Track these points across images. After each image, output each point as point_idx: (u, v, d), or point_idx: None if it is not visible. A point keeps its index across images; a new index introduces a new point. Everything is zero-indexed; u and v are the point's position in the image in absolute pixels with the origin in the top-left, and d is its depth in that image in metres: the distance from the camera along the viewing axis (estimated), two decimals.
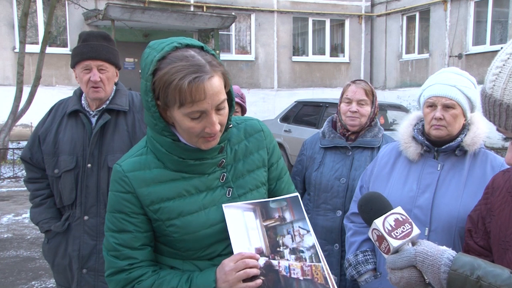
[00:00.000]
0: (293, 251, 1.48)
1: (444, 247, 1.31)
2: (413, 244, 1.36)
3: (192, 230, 1.48)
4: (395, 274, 1.34)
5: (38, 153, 2.62)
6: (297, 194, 1.59)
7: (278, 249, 1.47)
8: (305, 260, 1.47)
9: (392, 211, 1.39)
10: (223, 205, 1.49)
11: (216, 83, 1.40)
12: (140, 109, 2.62)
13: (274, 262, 1.44)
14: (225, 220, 1.49)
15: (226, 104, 1.47)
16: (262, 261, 1.43)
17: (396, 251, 1.34)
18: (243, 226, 1.47)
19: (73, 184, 2.51)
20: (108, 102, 2.56)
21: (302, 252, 1.49)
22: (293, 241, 1.49)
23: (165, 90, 1.38)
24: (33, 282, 4.97)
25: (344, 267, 2.54)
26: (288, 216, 1.53)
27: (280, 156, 1.74)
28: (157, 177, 1.50)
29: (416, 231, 1.35)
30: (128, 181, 1.49)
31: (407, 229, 1.35)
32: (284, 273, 1.43)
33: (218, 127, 1.43)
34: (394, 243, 1.33)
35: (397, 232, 1.34)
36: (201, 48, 1.45)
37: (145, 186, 1.49)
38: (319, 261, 1.48)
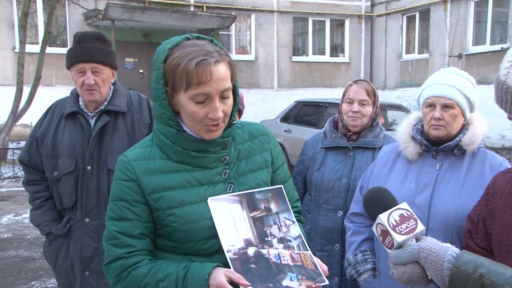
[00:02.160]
0: (281, 240, 1.51)
1: (448, 244, 1.32)
2: (417, 240, 1.36)
3: (191, 220, 1.50)
4: (398, 269, 1.34)
5: (36, 155, 2.58)
6: (281, 186, 1.62)
7: (266, 238, 1.49)
8: (293, 249, 1.50)
9: (397, 206, 1.39)
10: (209, 199, 1.50)
11: (222, 69, 1.46)
12: (139, 109, 2.59)
13: (264, 251, 1.46)
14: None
15: (231, 95, 1.51)
16: (251, 250, 1.45)
17: (400, 246, 1.35)
18: (230, 218, 1.49)
19: (73, 187, 2.49)
20: (106, 103, 2.52)
21: (290, 241, 1.52)
22: (280, 231, 1.52)
23: (173, 72, 1.44)
24: (33, 282, 4.97)
25: (344, 267, 2.54)
26: (273, 207, 1.56)
27: (284, 161, 1.78)
28: (160, 167, 1.53)
29: (420, 227, 1.36)
30: (132, 169, 1.52)
31: (411, 225, 1.35)
32: (275, 260, 1.46)
33: (221, 114, 1.47)
34: (398, 238, 1.33)
35: (401, 228, 1.35)
36: (211, 41, 1.52)
37: (148, 174, 1.52)
38: (307, 250, 1.51)
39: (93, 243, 2.50)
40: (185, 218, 1.50)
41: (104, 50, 2.46)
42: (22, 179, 9.96)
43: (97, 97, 2.46)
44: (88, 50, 2.42)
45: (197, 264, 1.47)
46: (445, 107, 2.11)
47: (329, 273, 2.66)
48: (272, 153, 1.70)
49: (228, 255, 1.42)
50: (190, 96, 1.44)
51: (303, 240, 1.53)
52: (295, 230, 1.54)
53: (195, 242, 1.52)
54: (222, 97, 1.47)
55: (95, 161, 2.48)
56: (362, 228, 2.39)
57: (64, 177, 2.50)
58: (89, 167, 2.47)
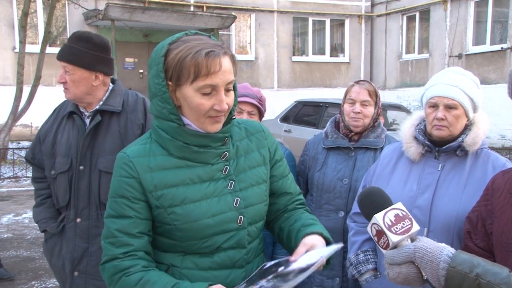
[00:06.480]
0: None
1: (443, 244, 1.31)
2: (412, 240, 1.36)
3: (193, 219, 1.50)
4: (393, 270, 1.34)
5: (39, 153, 2.62)
6: None
7: None
8: None
9: (392, 206, 1.39)
10: None
11: (228, 62, 1.48)
12: (134, 109, 2.56)
13: None
14: (226, 211, 1.50)
15: (233, 88, 1.53)
16: None
17: (395, 246, 1.35)
18: None
19: (67, 186, 2.50)
20: (101, 103, 2.51)
21: None
22: None
23: (179, 65, 1.45)
24: (33, 282, 4.97)
25: (346, 267, 2.54)
26: None
27: (283, 156, 1.78)
28: (161, 163, 1.53)
29: (415, 227, 1.35)
30: (133, 166, 1.52)
31: (407, 225, 1.35)
32: None
33: (226, 106, 1.48)
34: (394, 238, 1.33)
35: (397, 228, 1.34)
36: (209, 37, 1.54)
37: (149, 171, 1.51)
38: None
39: (83, 243, 2.49)
40: (187, 216, 1.50)
41: (78, 50, 2.40)
42: (22, 179, 9.95)
43: (68, 96, 2.47)
44: (63, 48, 2.45)
45: (186, 284, 1.43)
46: (448, 107, 2.09)
47: (331, 273, 2.70)
48: (269, 149, 1.70)
49: None
50: (197, 88, 1.45)
51: None
52: None
53: (196, 240, 1.51)
54: (227, 90, 1.50)
55: (88, 161, 2.48)
56: (364, 227, 2.36)
57: (60, 176, 2.51)
58: (81, 167, 2.47)
